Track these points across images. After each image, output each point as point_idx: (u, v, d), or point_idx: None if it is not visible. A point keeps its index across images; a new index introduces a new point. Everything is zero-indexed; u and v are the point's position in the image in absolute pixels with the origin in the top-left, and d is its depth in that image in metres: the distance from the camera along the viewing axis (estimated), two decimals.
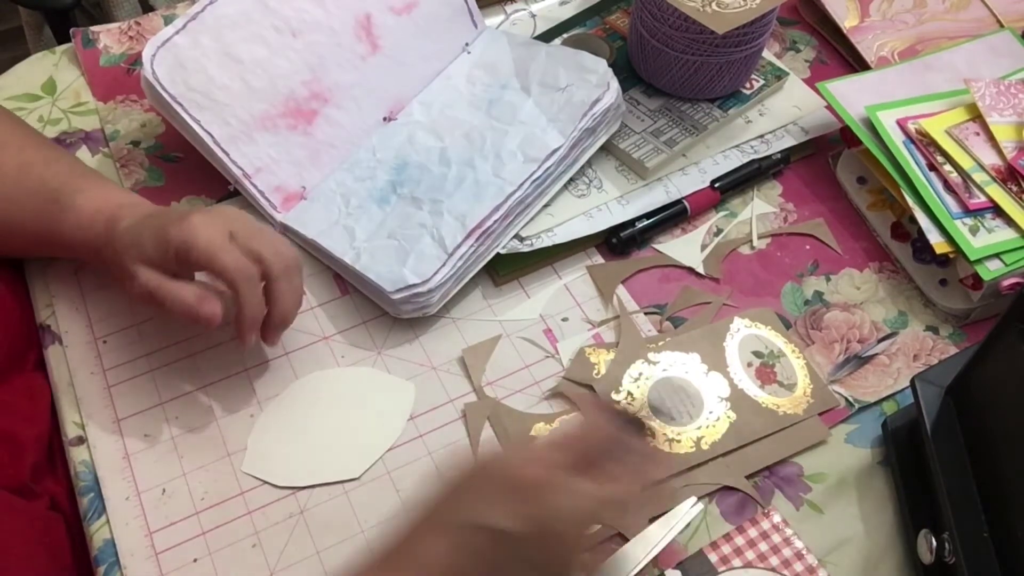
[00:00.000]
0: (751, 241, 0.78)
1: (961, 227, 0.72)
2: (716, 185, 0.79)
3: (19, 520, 0.59)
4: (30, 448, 0.64)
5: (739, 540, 0.62)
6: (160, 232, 0.60)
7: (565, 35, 0.88)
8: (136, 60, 0.87)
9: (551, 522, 0.48)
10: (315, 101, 0.76)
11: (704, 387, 0.68)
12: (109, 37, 0.89)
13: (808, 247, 0.78)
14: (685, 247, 0.77)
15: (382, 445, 0.65)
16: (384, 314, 0.71)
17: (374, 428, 0.66)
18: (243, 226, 0.62)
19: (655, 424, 0.65)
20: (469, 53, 0.83)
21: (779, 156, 0.81)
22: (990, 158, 0.75)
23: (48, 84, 0.86)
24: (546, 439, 0.51)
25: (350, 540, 0.61)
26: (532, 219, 0.74)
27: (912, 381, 0.64)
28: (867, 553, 0.62)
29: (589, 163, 0.78)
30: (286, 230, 0.75)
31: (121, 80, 0.86)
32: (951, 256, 0.72)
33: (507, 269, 0.74)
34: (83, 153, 0.80)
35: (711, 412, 0.67)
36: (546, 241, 0.73)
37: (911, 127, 0.77)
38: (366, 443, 0.65)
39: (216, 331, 0.68)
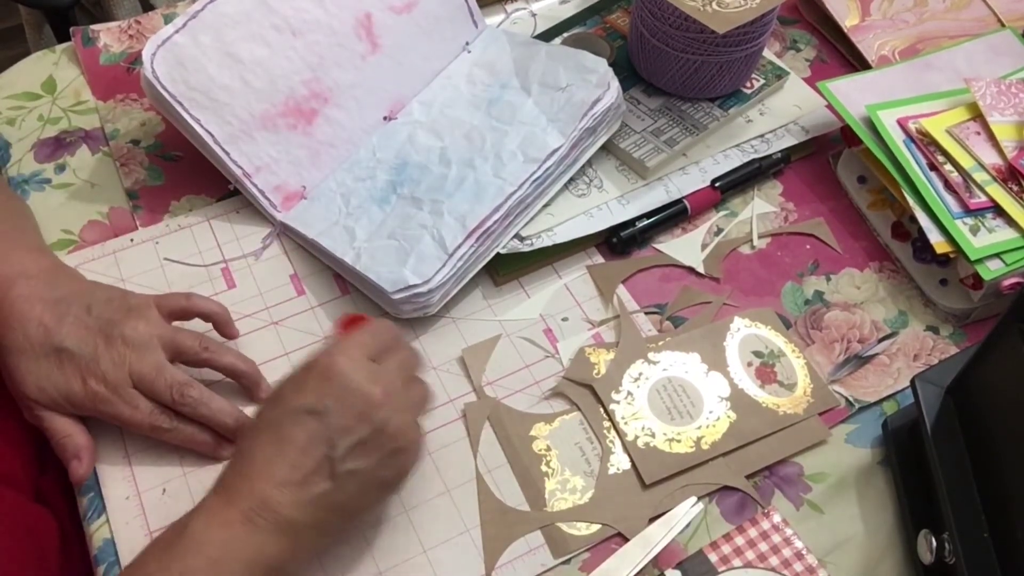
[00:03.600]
0: (751, 241, 0.78)
1: (962, 227, 0.72)
2: (716, 184, 0.79)
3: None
4: (24, 438, 0.64)
5: (739, 540, 0.62)
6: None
7: (565, 34, 0.88)
8: (136, 59, 0.87)
9: (355, 393, 0.54)
10: (315, 100, 0.76)
11: (704, 387, 0.68)
12: (109, 36, 0.89)
13: (808, 247, 0.78)
14: (685, 247, 0.77)
15: None
16: (384, 314, 0.71)
17: None
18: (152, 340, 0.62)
19: None
20: (469, 52, 0.83)
21: (779, 155, 0.81)
22: (991, 157, 0.74)
23: (48, 83, 0.86)
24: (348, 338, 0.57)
25: (349, 540, 0.61)
26: (532, 219, 0.74)
27: (912, 381, 0.64)
28: (867, 553, 0.62)
29: (589, 163, 0.78)
30: (286, 230, 0.75)
31: (121, 79, 0.86)
32: (951, 256, 0.72)
33: (507, 269, 0.74)
34: (83, 152, 0.80)
35: (711, 412, 0.67)
36: (546, 241, 0.73)
37: (912, 126, 0.77)
38: None
39: (214, 333, 0.68)
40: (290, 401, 0.54)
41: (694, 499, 0.63)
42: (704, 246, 0.78)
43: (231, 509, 0.52)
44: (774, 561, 0.61)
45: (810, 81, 0.86)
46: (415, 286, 0.67)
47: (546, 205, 0.75)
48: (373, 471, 0.54)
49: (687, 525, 0.62)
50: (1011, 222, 0.72)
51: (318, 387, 0.54)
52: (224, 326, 0.67)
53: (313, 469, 0.53)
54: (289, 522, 0.52)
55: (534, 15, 0.91)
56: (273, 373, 0.68)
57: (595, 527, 0.62)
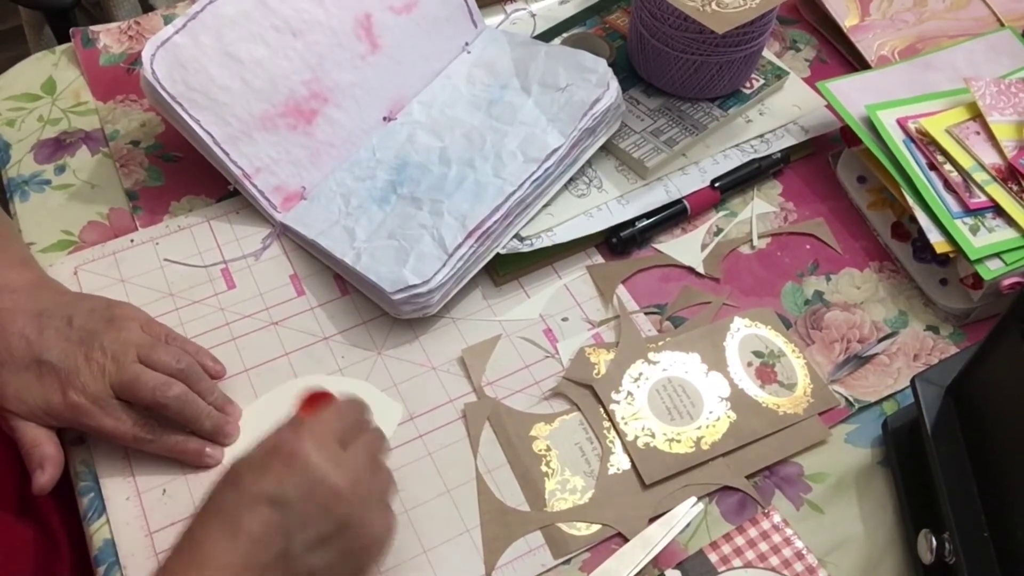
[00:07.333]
0: (751, 241, 0.78)
1: (961, 226, 0.72)
2: (716, 185, 0.79)
3: None
4: (4, 447, 0.64)
5: (739, 540, 0.62)
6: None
7: (565, 34, 0.88)
8: (136, 60, 0.87)
9: (319, 484, 0.49)
10: (315, 101, 0.76)
11: (704, 387, 0.68)
12: (109, 37, 0.89)
13: (808, 247, 0.78)
14: (685, 247, 0.77)
15: None
16: (384, 314, 0.71)
17: None
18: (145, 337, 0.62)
19: None
20: (469, 53, 0.83)
21: (779, 155, 0.81)
22: (990, 157, 0.74)
23: (48, 84, 0.86)
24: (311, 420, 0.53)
25: None
26: (532, 219, 0.74)
27: (912, 381, 0.64)
28: (867, 553, 0.62)
29: (589, 163, 0.78)
30: (286, 230, 0.75)
31: (121, 80, 0.86)
32: (951, 256, 0.72)
33: (507, 269, 0.74)
34: (83, 153, 0.80)
35: (711, 412, 0.67)
36: (546, 241, 0.73)
37: (911, 126, 0.77)
38: None
39: (214, 333, 0.68)
40: (248, 486, 0.49)
41: (694, 499, 0.63)
42: (704, 246, 0.78)
43: None
44: (774, 561, 0.61)
45: (810, 81, 0.86)
46: (415, 286, 0.67)
47: (546, 205, 0.75)
48: (333, 569, 0.50)
49: (687, 525, 0.62)
50: (1011, 222, 0.72)
51: (280, 473, 0.49)
52: (205, 370, 0.66)
53: (268, 564, 0.48)
54: None
55: (533, 15, 0.91)
56: (273, 373, 0.68)
57: (595, 527, 0.62)
